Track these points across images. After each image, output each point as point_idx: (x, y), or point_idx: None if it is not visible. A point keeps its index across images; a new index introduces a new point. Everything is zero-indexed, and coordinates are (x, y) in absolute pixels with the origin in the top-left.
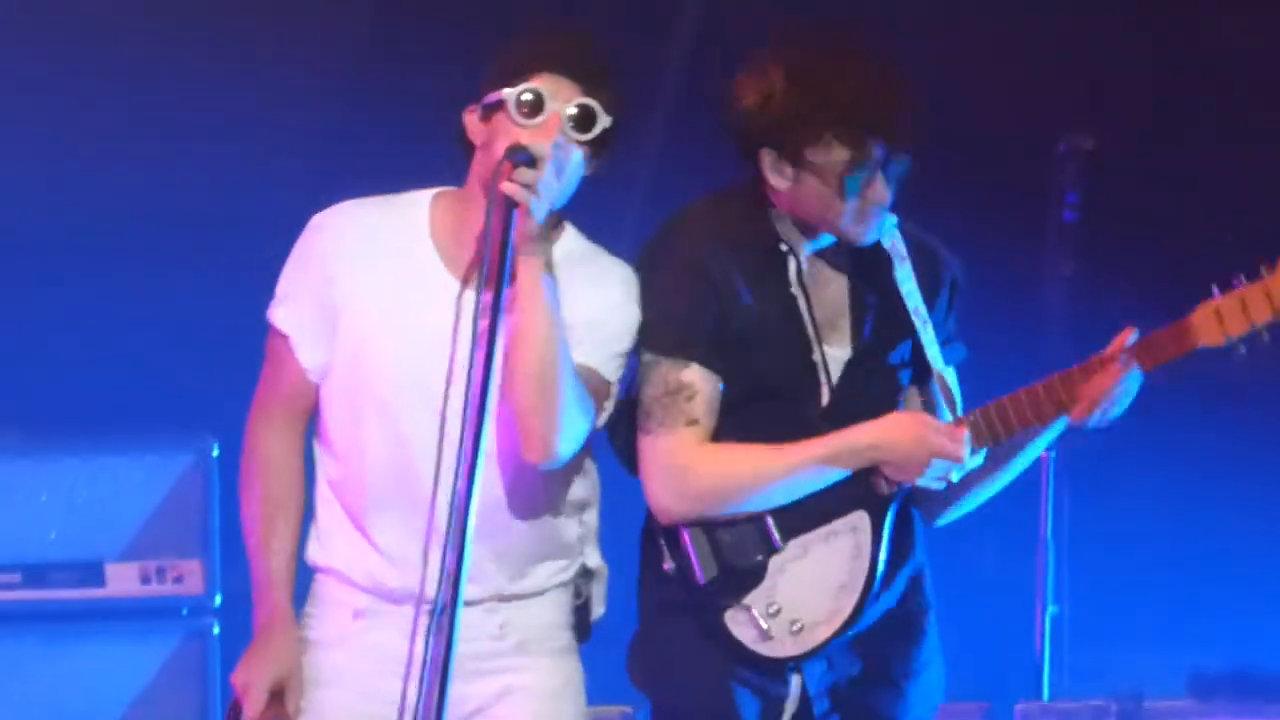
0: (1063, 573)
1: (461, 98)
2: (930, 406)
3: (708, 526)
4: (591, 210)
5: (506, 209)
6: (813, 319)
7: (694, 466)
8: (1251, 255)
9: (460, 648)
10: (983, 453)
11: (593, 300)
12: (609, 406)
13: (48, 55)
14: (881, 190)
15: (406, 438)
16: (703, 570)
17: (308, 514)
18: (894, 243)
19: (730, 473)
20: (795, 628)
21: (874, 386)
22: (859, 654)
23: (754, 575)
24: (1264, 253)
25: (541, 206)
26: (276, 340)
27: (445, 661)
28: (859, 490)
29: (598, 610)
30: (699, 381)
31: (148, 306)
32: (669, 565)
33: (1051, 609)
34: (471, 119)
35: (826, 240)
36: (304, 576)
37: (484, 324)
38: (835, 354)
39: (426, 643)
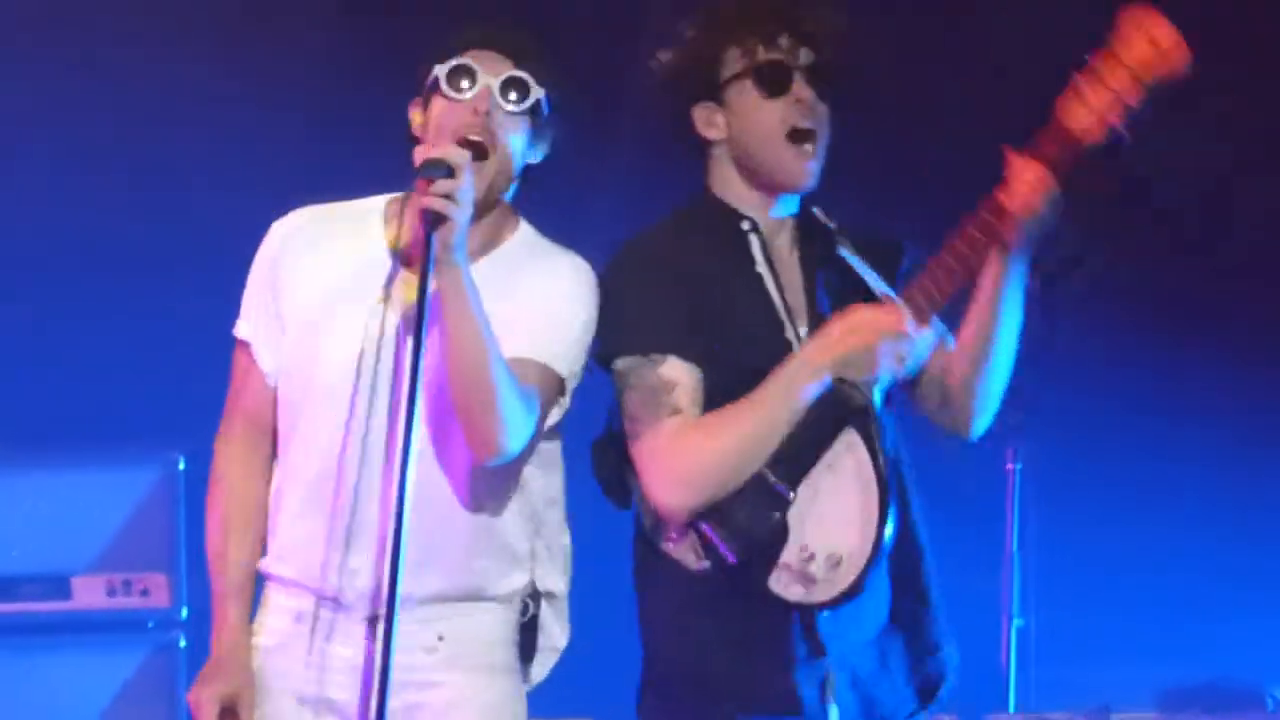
0: (1029, 585)
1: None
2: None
3: (720, 510)
4: (561, 218)
5: (429, 223)
6: (783, 299)
7: (682, 447)
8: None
9: (396, 658)
10: (940, 327)
11: (543, 290)
12: (564, 402)
13: None
14: (804, 90)
15: (327, 446)
16: (731, 550)
17: None
18: (836, 224)
19: (714, 446)
20: (834, 561)
21: None
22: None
23: (779, 534)
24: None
25: (464, 212)
26: (241, 351)
27: (384, 669)
28: (837, 411)
29: (559, 639)
30: (678, 373)
31: (114, 321)
32: (701, 565)
33: (1018, 621)
34: (415, 112)
35: (787, 207)
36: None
37: (409, 332)
38: (803, 333)
39: (365, 649)
